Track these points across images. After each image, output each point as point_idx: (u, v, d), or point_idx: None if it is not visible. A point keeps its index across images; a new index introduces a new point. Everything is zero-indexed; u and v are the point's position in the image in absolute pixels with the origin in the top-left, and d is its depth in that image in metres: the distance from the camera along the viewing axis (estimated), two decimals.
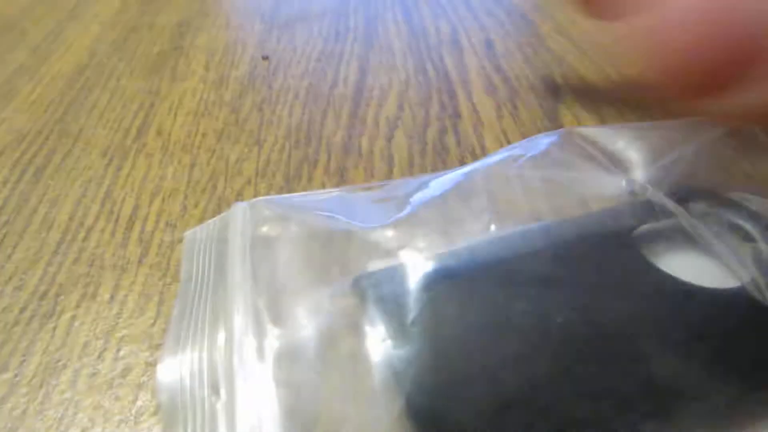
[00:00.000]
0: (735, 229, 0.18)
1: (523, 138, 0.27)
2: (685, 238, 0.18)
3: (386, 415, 0.14)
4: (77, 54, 0.38)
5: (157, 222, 0.24)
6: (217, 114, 0.31)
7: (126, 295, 0.21)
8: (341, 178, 0.26)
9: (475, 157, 0.27)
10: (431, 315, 0.16)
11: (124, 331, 0.20)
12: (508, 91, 0.32)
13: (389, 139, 0.28)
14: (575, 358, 0.15)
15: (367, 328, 0.16)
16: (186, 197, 0.25)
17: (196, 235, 0.21)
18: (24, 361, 0.19)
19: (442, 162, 0.27)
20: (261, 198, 0.21)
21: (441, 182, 0.21)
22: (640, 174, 0.20)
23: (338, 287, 0.17)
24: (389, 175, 0.26)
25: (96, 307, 0.20)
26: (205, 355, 0.16)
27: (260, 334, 0.16)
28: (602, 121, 0.29)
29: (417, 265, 0.17)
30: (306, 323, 0.16)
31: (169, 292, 0.21)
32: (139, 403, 0.17)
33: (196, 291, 0.19)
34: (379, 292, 0.17)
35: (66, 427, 0.17)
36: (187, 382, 0.16)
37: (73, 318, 0.20)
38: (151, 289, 0.21)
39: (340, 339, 0.16)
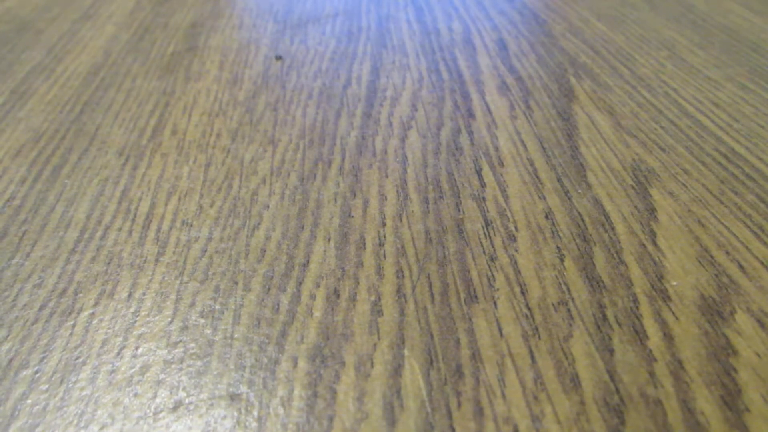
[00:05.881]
0: None
1: (537, 138, 0.28)
2: None
3: None
4: (92, 54, 0.39)
5: (173, 221, 0.24)
6: (232, 114, 0.31)
7: (144, 294, 0.21)
8: (355, 179, 0.26)
9: (488, 158, 0.27)
10: None
11: (143, 329, 0.20)
12: (522, 91, 0.32)
13: (403, 138, 0.28)
14: None
15: None
16: (202, 196, 0.25)
17: None
18: (44, 357, 0.19)
19: (455, 162, 0.27)
20: None
21: None
22: None
23: None
24: (403, 174, 0.26)
25: (114, 305, 0.21)
26: None
27: None
28: (617, 121, 0.29)
29: None
30: None
31: (186, 290, 0.21)
32: (158, 400, 0.18)
33: None
34: None
35: (86, 424, 0.17)
36: None
37: (92, 316, 0.20)
38: (168, 287, 0.21)
39: None
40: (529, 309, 0.20)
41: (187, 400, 0.17)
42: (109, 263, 0.22)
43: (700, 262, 0.21)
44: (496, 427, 0.16)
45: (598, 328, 0.19)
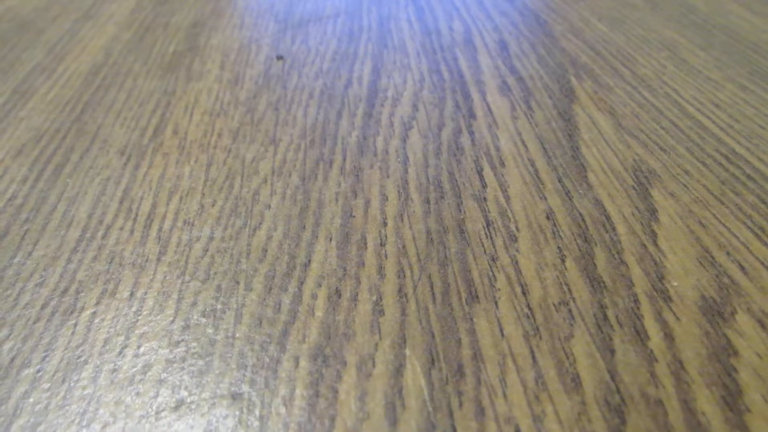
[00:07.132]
0: None
1: (538, 139, 0.28)
2: None
3: None
4: (93, 53, 0.39)
5: (175, 220, 0.24)
6: (233, 113, 0.31)
7: (145, 293, 0.21)
8: (357, 179, 0.26)
9: (489, 158, 0.27)
10: None
11: (144, 328, 0.20)
12: (523, 92, 0.32)
13: (404, 139, 0.28)
14: None
15: None
16: (203, 196, 0.25)
17: None
18: (46, 356, 0.19)
19: (457, 162, 0.27)
20: None
21: None
22: None
23: None
24: (405, 175, 0.26)
25: (116, 304, 0.21)
26: None
27: None
28: (618, 122, 0.29)
29: None
30: None
31: (188, 289, 0.21)
32: (159, 399, 0.18)
33: None
34: None
35: (88, 422, 0.17)
36: None
37: (94, 315, 0.20)
38: (170, 286, 0.21)
39: None
40: (530, 309, 0.20)
41: (188, 399, 0.18)
42: (110, 262, 0.22)
43: (700, 262, 0.21)
44: (497, 427, 0.16)
45: (599, 329, 0.19)
